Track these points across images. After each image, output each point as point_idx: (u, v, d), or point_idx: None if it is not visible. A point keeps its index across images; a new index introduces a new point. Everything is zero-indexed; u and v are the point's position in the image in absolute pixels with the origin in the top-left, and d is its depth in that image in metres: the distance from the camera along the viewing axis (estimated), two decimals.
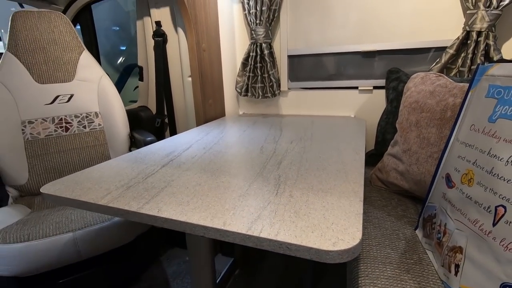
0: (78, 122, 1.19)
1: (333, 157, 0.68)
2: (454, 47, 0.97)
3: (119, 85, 2.21)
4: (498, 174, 0.43)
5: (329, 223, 0.40)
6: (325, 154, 0.70)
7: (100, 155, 1.22)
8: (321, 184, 0.53)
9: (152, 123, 1.37)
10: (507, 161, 0.42)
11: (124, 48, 2.51)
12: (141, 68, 1.42)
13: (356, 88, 1.20)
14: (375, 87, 1.17)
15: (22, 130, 1.09)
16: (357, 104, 1.21)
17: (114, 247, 0.88)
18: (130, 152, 0.74)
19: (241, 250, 1.31)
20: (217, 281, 1.19)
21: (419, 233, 0.65)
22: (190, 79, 1.25)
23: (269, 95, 1.25)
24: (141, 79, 1.44)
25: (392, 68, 1.10)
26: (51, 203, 1.08)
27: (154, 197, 0.50)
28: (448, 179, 0.55)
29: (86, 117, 1.20)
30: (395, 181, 0.82)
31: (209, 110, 1.27)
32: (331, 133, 0.91)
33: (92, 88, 1.21)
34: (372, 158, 1.13)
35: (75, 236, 0.78)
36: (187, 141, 0.86)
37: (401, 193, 0.84)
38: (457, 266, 0.47)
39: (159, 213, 0.45)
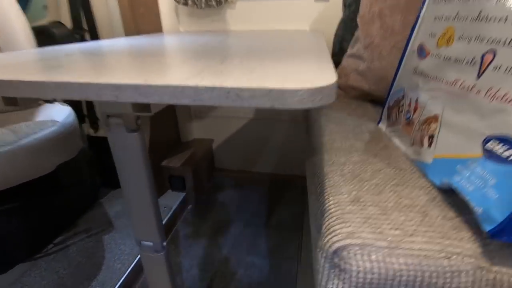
0: None
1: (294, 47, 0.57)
2: None
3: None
4: (487, 16, 0.35)
5: (292, 69, 0.30)
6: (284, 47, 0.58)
7: None
8: (279, 55, 0.42)
9: (69, 41, 1.10)
10: None
11: None
12: None
13: None
14: None
15: None
16: (312, 15, 1.09)
17: (27, 179, 0.70)
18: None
19: (193, 183, 1.21)
20: (167, 218, 1.10)
21: (382, 125, 0.60)
22: None
23: (214, 3, 1.06)
24: None
25: None
26: None
27: (55, 68, 0.34)
28: (421, 49, 0.48)
29: None
30: (355, 83, 0.76)
31: (142, 23, 1.05)
32: (290, 43, 0.79)
33: None
34: None
35: None
36: (114, 43, 0.67)
37: (359, 98, 0.79)
38: (430, 137, 0.42)
39: (49, 78, 0.30)
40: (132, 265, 0.88)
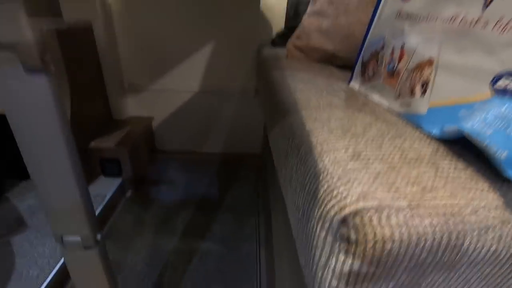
0: None
1: None
2: None
3: None
4: None
5: None
6: None
7: None
8: None
9: None
10: None
11: None
12: None
13: None
14: None
15: None
16: None
17: None
18: None
19: (131, 166, 1.04)
20: (101, 208, 0.92)
21: (354, 84, 0.54)
22: None
23: None
24: None
25: None
26: None
27: None
28: None
29: None
30: (318, 44, 0.69)
31: None
32: None
33: None
34: (284, 39, 0.98)
35: None
36: None
37: (322, 61, 0.73)
38: (424, 84, 0.37)
39: None
40: (55, 270, 0.70)
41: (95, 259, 0.41)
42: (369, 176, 0.27)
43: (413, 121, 0.38)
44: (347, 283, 0.27)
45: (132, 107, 1.23)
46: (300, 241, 0.34)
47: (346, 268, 0.26)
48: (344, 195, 0.26)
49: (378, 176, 0.27)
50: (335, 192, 0.27)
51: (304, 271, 0.33)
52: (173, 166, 1.26)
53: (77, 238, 0.39)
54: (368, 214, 0.24)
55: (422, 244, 0.25)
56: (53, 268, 0.70)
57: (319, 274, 0.29)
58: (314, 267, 0.29)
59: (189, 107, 1.23)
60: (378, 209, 0.24)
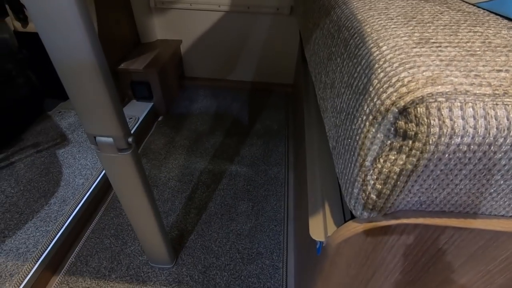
0: None
1: None
2: None
3: None
4: None
5: None
6: None
7: None
8: None
9: None
10: None
11: None
12: None
13: None
14: None
15: None
16: None
17: None
18: None
19: (161, 90, 1.03)
20: (135, 129, 0.94)
21: None
22: None
23: None
24: None
25: None
26: None
27: None
28: None
29: None
30: None
31: None
32: None
33: None
34: None
35: None
36: None
37: None
38: None
39: None
40: (98, 179, 0.75)
41: (128, 161, 0.42)
42: (441, 61, 0.22)
43: (500, 8, 0.30)
44: (393, 187, 0.24)
45: (160, 29, 1.17)
46: (339, 148, 0.30)
47: (396, 169, 0.23)
48: (406, 80, 0.21)
49: (453, 61, 0.22)
50: (394, 79, 0.22)
51: (341, 178, 0.30)
52: (203, 92, 1.24)
53: (109, 139, 0.39)
54: (437, 101, 0.20)
55: (500, 142, 0.20)
56: (96, 178, 0.76)
57: (360, 178, 0.26)
58: (356, 170, 0.26)
59: (218, 30, 1.14)
60: (451, 96, 0.20)
